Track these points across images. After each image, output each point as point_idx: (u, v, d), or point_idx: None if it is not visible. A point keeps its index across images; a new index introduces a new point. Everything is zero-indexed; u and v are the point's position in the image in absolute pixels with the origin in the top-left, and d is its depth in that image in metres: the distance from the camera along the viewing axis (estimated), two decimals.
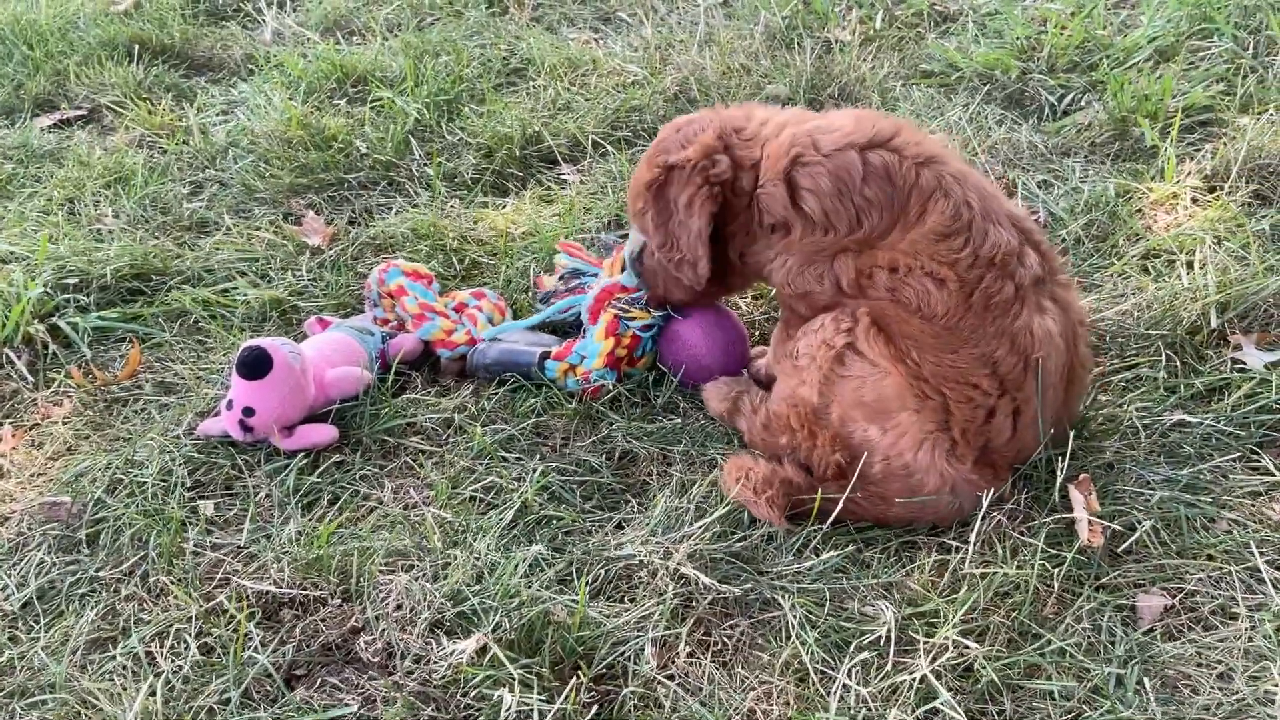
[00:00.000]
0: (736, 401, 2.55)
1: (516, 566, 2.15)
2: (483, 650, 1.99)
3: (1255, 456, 2.36)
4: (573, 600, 2.08)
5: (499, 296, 3.00)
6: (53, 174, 3.90)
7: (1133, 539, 2.16)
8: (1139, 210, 3.21)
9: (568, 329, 2.88)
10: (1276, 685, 1.87)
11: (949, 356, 2.20)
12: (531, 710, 1.89)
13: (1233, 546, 2.14)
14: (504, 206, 3.55)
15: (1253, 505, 2.24)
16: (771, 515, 2.22)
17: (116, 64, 4.63)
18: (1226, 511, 2.22)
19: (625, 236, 2.92)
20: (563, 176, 3.70)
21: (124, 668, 2.06)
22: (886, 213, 2.24)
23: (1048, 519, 2.18)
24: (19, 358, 2.97)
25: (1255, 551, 2.10)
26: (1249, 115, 3.54)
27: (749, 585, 2.15)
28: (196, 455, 2.58)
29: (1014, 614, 2.03)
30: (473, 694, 1.96)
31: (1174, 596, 2.08)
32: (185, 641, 2.10)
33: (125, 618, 2.18)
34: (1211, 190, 3.24)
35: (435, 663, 2.01)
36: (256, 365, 2.49)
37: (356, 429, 2.62)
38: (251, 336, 2.89)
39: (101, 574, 2.29)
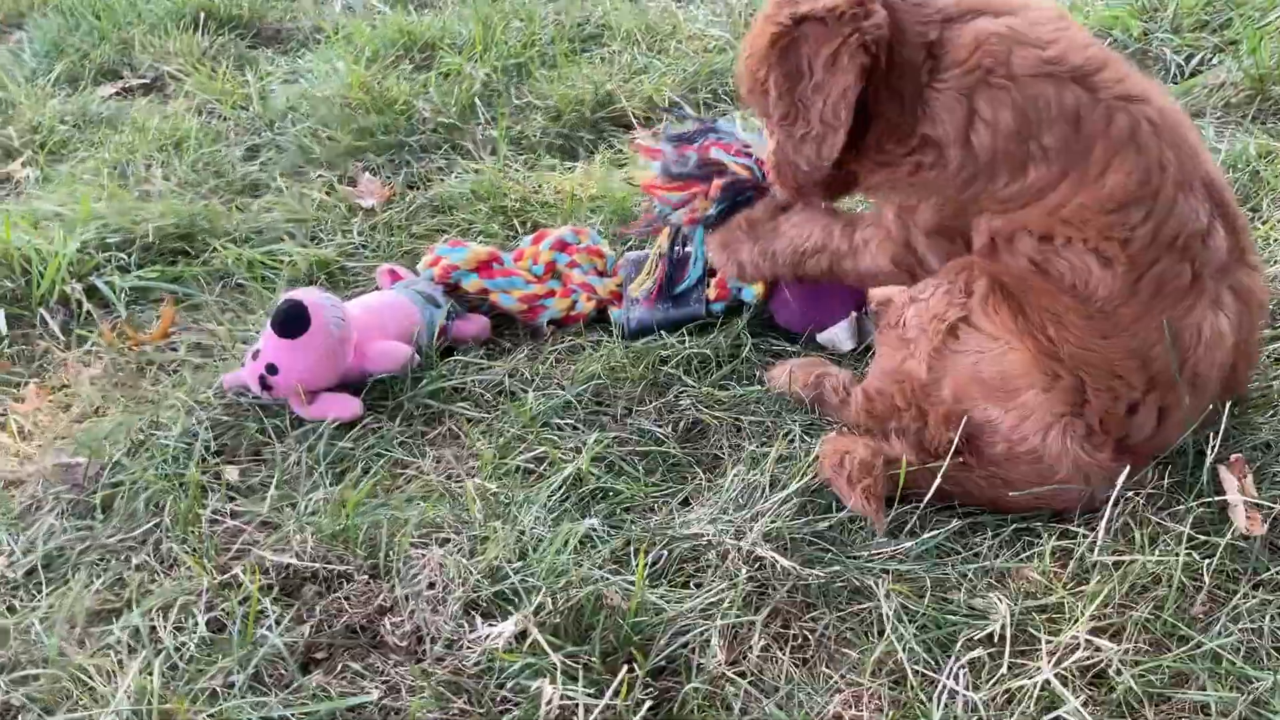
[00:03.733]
0: (819, 386, 2.23)
1: (566, 542, 1.87)
2: (522, 635, 1.71)
3: None
4: (629, 582, 1.79)
5: (579, 235, 2.68)
6: (108, 139, 3.74)
7: None
8: None
9: None
10: None
11: (1097, 341, 1.84)
12: (576, 704, 1.61)
13: None
14: (572, 170, 3.28)
15: None
16: (867, 508, 1.89)
17: (182, 32, 4.48)
18: None
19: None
20: (637, 141, 3.42)
21: (123, 643, 1.82)
22: (1057, 165, 1.82)
23: (1194, 504, 1.84)
24: (53, 317, 2.77)
25: None
26: None
27: (835, 569, 1.84)
28: (224, 418, 2.34)
29: (1157, 612, 1.69)
30: (510, 684, 1.68)
31: None
32: (194, 616, 1.85)
33: (133, 589, 1.94)
34: None
35: (468, 648, 1.74)
36: (292, 322, 2.25)
37: (398, 394, 2.36)
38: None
39: (112, 541, 2.06)
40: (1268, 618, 1.69)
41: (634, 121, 3.48)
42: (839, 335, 2.41)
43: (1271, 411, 2.07)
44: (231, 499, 2.14)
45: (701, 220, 2.46)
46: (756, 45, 2.00)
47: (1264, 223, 2.64)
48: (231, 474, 2.20)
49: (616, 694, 1.60)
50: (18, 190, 3.48)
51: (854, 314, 2.43)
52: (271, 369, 2.27)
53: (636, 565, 1.77)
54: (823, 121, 1.93)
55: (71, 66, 4.36)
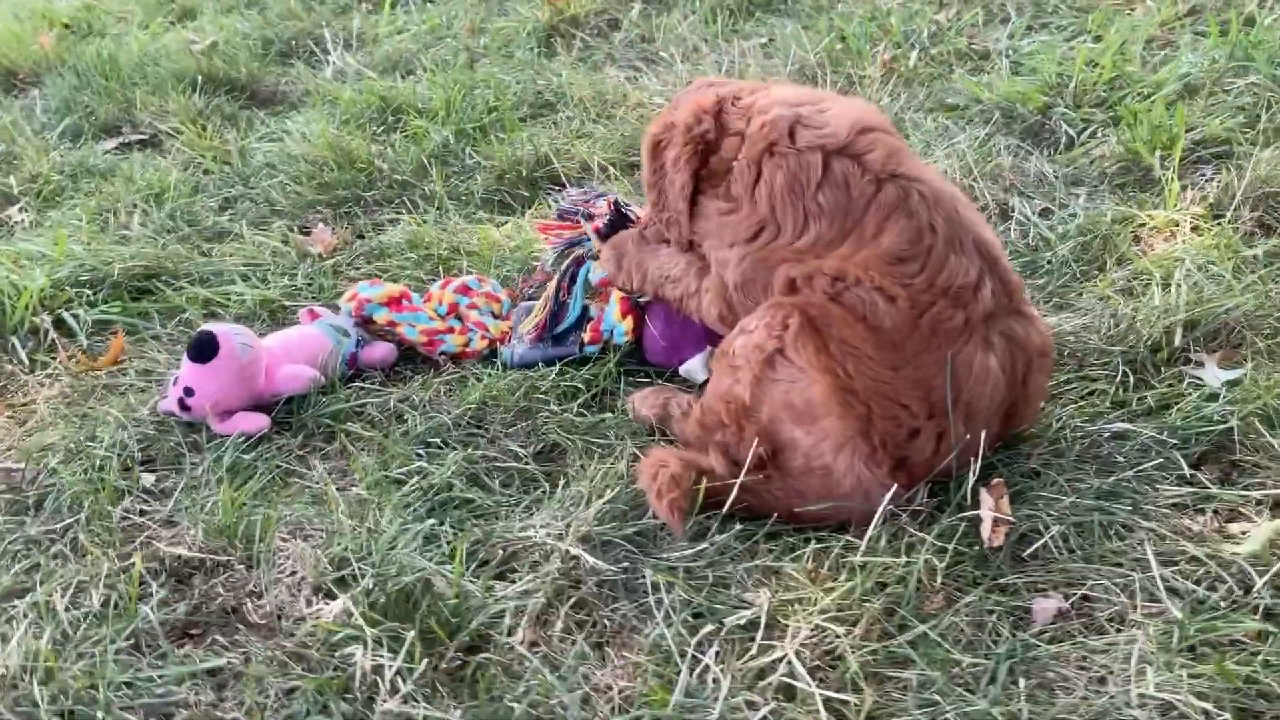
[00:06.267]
0: (666, 406, 2.54)
1: (414, 537, 2.17)
2: (351, 613, 2.01)
3: (1196, 472, 2.23)
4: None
5: (481, 282, 3.04)
6: (99, 188, 4.14)
7: (1039, 543, 2.07)
8: (1135, 236, 3.11)
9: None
10: (1150, 691, 1.75)
11: (887, 372, 2.15)
12: (383, 666, 1.90)
13: (1143, 556, 2.02)
14: (504, 224, 3.62)
15: (1175, 518, 2.12)
16: (671, 519, 2.18)
17: (181, 94, 4.90)
18: (1145, 521, 2.10)
19: (599, 196, 3.02)
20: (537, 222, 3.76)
21: (25, 614, 2.13)
22: (837, 222, 2.23)
23: (951, 520, 2.10)
24: (22, 346, 3.13)
25: (1155, 561, 1.98)
26: (1268, 149, 3.40)
27: (635, 567, 2.12)
28: (152, 433, 2.68)
29: (894, 606, 1.95)
30: (337, 654, 1.97)
31: (1070, 601, 1.98)
32: (90, 595, 2.17)
33: (44, 572, 2.26)
34: (1216, 218, 3.11)
35: (308, 622, 2.04)
36: (202, 349, 2.59)
37: (302, 413, 2.69)
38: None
39: (35, 533, 2.38)
40: (995, 616, 1.95)
41: (566, 181, 3.82)
42: (695, 366, 2.71)
43: (1040, 443, 2.32)
44: (144, 501, 2.46)
45: (588, 255, 2.85)
46: (643, 147, 2.58)
47: (1101, 281, 2.91)
48: (148, 480, 2.53)
49: (411, 658, 1.89)
50: (10, 233, 3.87)
51: (709, 348, 2.72)
52: (188, 391, 2.60)
53: (456, 555, 2.06)
54: (673, 207, 2.48)
55: (77, 122, 4.79)
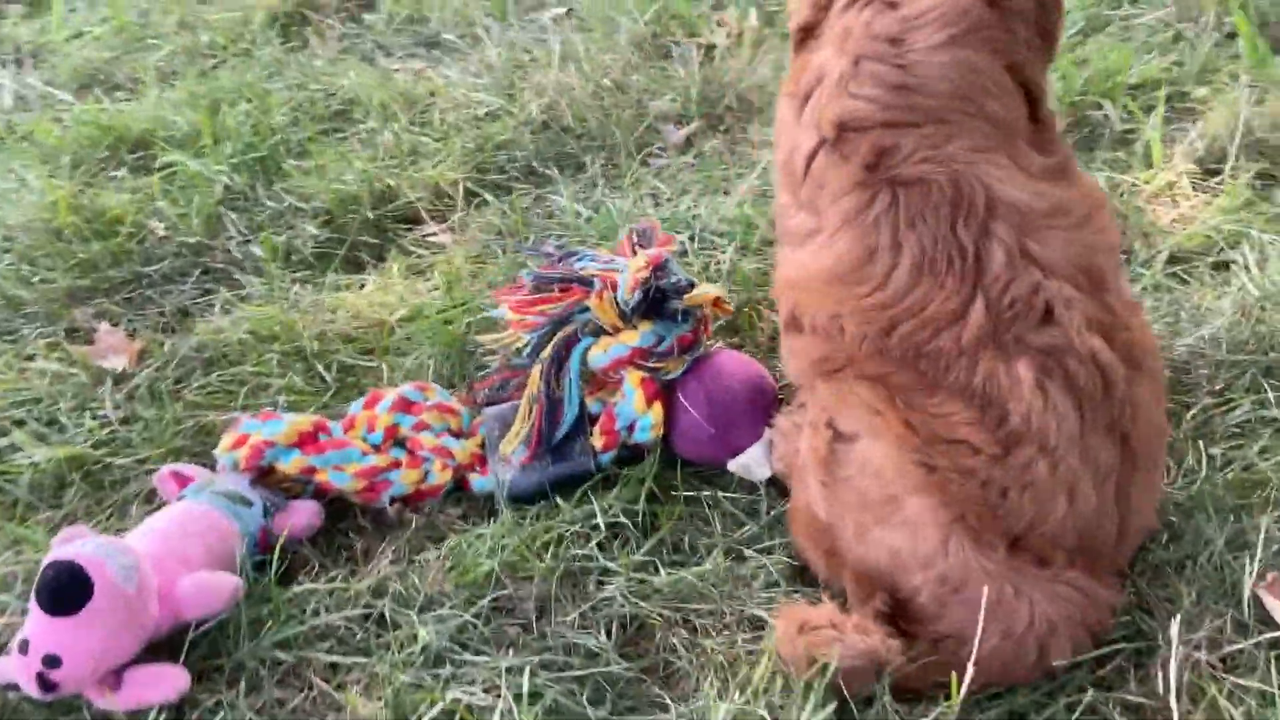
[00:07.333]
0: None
1: None
2: None
3: None
4: None
5: (420, 392, 2.19)
6: None
7: None
8: (1137, 207, 2.71)
9: None
10: None
11: (929, 401, 1.60)
12: None
13: None
14: (364, 286, 2.75)
15: None
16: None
17: None
18: None
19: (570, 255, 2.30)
20: (431, 238, 2.93)
21: None
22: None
23: (1252, 640, 1.59)
24: None
25: None
26: (1206, 87, 3.12)
27: None
28: None
29: None
30: None
31: None
32: None
33: None
34: (1210, 174, 2.77)
35: None
36: (67, 595, 1.64)
37: (234, 648, 1.79)
38: (52, 531, 2.02)
39: None
40: None
41: (423, 216, 2.98)
42: (753, 459, 2.05)
43: (1271, 507, 1.85)
44: None
45: (582, 332, 2.14)
46: None
47: (1146, 267, 2.48)
48: None
49: None
50: None
51: (767, 436, 2.07)
52: (51, 661, 1.65)
53: None
54: None
55: None
